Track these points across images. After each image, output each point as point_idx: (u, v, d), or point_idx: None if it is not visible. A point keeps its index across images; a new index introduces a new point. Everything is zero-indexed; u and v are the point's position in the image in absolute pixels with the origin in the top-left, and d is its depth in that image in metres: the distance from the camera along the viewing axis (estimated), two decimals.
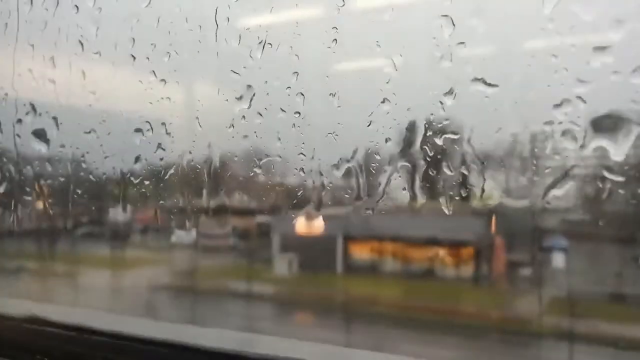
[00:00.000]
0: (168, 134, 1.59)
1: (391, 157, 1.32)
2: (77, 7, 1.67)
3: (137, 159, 1.63)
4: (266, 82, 1.40)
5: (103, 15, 1.63)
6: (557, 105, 1.09)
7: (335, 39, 1.30)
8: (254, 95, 1.42)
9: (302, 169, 1.42)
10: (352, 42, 1.31)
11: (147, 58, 1.55)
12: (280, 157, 1.44)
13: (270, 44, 1.37)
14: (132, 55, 1.57)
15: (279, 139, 1.42)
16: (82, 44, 1.67)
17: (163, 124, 1.58)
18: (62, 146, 1.76)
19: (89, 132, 1.68)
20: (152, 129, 1.60)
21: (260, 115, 1.42)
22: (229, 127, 1.47)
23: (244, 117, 1.44)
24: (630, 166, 1.07)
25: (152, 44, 1.54)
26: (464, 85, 1.19)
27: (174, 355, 1.25)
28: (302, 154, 1.40)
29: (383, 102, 1.28)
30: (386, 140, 1.31)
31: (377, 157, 1.34)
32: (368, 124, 1.30)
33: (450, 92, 1.21)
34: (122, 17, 1.59)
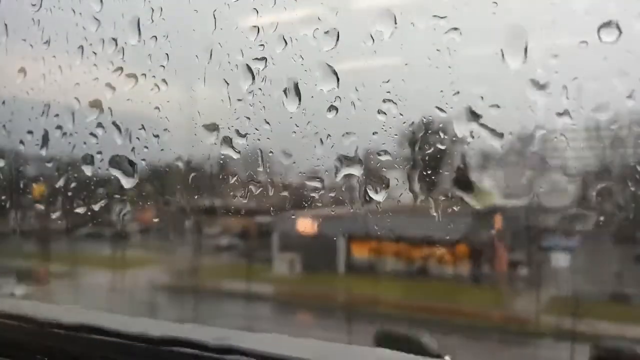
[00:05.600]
0: (167, 131, 1.59)
1: (391, 157, 1.32)
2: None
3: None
4: (266, 81, 1.41)
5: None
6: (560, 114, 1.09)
7: (336, 39, 1.30)
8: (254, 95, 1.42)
9: (301, 169, 1.42)
10: (353, 42, 1.31)
11: (149, 55, 1.55)
12: (279, 156, 1.44)
13: (269, 42, 1.37)
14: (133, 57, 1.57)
15: (279, 139, 1.42)
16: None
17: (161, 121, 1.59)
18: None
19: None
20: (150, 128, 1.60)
21: (260, 114, 1.42)
22: (228, 127, 1.47)
23: (245, 117, 1.44)
24: None
25: (151, 44, 1.54)
26: (465, 85, 1.19)
27: (174, 355, 1.25)
28: (301, 153, 1.40)
29: (384, 102, 1.28)
30: (386, 141, 1.31)
31: (377, 157, 1.34)
32: (368, 123, 1.31)
33: (451, 92, 1.21)
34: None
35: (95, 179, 1.73)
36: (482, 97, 1.18)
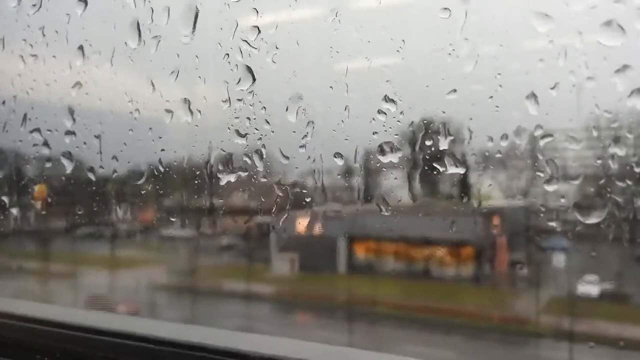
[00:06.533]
0: (167, 131, 1.59)
1: (391, 157, 1.32)
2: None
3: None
4: (267, 82, 1.41)
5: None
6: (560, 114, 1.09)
7: (336, 39, 1.30)
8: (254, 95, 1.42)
9: (301, 169, 1.42)
10: (352, 42, 1.31)
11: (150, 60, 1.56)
12: (282, 156, 1.44)
13: (269, 43, 1.37)
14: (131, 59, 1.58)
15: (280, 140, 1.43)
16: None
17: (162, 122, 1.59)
18: None
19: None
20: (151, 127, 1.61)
21: (261, 114, 1.42)
22: (228, 127, 1.47)
23: (245, 117, 1.45)
24: None
25: (154, 46, 1.54)
26: (465, 85, 1.19)
27: (174, 355, 1.25)
28: (302, 153, 1.40)
29: (385, 101, 1.28)
30: (386, 140, 1.31)
31: (377, 157, 1.34)
32: (368, 123, 1.31)
33: (451, 92, 1.21)
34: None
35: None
36: (481, 97, 1.18)
